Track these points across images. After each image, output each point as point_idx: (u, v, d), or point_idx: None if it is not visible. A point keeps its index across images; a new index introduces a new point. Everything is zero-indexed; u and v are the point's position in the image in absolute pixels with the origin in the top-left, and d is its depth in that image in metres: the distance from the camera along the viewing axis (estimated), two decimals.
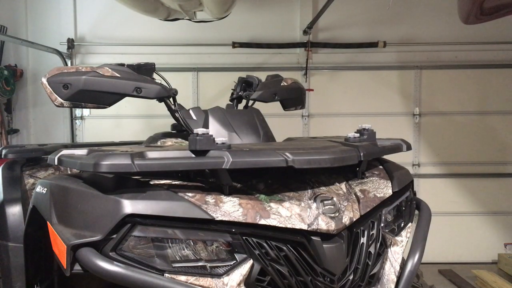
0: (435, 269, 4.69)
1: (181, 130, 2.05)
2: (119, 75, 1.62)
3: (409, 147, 1.74)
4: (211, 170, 1.31)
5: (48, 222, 1.33)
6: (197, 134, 1.26)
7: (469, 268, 4.52)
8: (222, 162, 1.20)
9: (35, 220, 1.51)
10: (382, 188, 1.57)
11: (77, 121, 4.88)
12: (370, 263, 1.43)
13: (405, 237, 1.59)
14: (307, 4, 4.83)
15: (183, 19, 4.04)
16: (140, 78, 1.68)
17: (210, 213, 1.22)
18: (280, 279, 1.26)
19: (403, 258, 1.55)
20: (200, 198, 1.26)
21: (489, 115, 4.92)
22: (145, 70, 1.84)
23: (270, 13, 4.88)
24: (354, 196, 1.48)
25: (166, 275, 1.19)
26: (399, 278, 1.49)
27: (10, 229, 1.92)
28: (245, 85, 2.18)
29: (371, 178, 1.62)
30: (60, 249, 1.24)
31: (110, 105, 1.65)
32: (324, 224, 1.29)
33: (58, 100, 1.55)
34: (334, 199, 1.38)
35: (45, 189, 1.41)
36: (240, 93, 2.14)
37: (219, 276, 1.22)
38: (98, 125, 4.87)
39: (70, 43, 4.76)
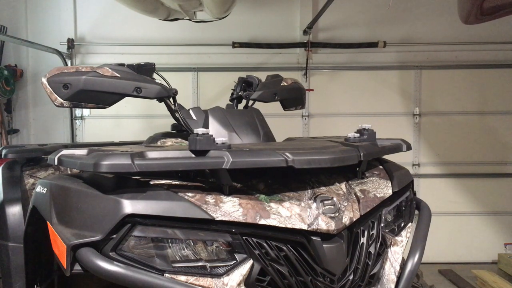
0: (435, 269, 4.69)
1: (181, 130, 2.05)
2: (119, 75, 1.62)
3: (409, 147, 1.74)
4: (211, 170, 1.31)
5: (48, 222, 1.33)
6: (197, 134, 1.26)
7: (469, 268, 4.51)
8: (222, 162, 1.20)
9: (35, 220, 1.51)
10: (382, 188, 1.57)
11: (77, 121, 4.88)
12: (370, 263, 1.43)
13: (405, 237, 1.59)
14: (307, 4, 4.83)
15: (183, 19, 4.03)
16: (140, 78, 1.68)
17: (210, 213, 1.22)
18: (280, 279, 1.26)
19: (403, 258, 1.55)
20: (200, 198, 1.26)
21: (489, 115, 4.92)
22: (145, 70, 1.84)
23: (270, 13, 4.88)
24: (354, 196, 1.48)
25: (166, 275, 1.19)
26: (399, 278, 1.49)
27: (10, 229, 1.92)
28: (245, 85, 2.18)
29: (371, 178, 1.62)
30: (60, 249, 1.23)
31: (110, 105, 1.65)
32: (324, 224, 1.29)
33: (58, 100, 1.55)
34: (334, 199, 1.38)
35: (45, 189, 1.41)
36: (240, 93, 2.14)
37: (219, 276, 1.22)
38: (98, 125, 4.87)
39: (70, 43, 4.75)
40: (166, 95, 1.75)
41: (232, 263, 1.24)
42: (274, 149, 1.29)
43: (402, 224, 1.63)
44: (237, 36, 4.78)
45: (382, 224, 1.52)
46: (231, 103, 2.19)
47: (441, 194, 4.91)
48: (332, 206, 1.35)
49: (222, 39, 4.77)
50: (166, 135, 2.00)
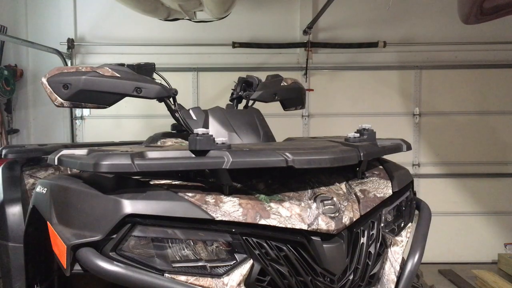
0: (435, 269, 4.69)
1: (181, 130, 2.05)
2: (119, 75, 1.62)
3: (409, 147, 1.74)
4: (211, 170, 1.31)
5: (48, 222, 1.33)
6: (197, 134, 1.26)
7: (469, 268, 4.52)
8: (222, 162, 1.20)
9: (35, 220, 1.52)
10: (382, 188, 1.57)
11: (77, 121, 4.88)
12: (370, 263, 1.43)
13: (405, 237, 1.59)
14: (307, 4, 4.83)
15: (183, 19, 4.04)
16: (140, 78, 1.68)
17: (210, 213, 1.22)
18: (280, 279, 1.26)
19: (403, 258, 1.55)
20: (200, 198, 1.26)
21: (489, 115, 4.92)
22: (145, 70, 1.84)
23: (270, 13, 4.88)
24: (354, 196, 1.48)
25: (166, 275, 1.19)
26: (399, 278, 1.49)
27: (10, 229, 1.92)
28: (245, 85, 2.18)
29: (371, 178, 1.62)
30: (60, 249, 1.24)
31: (110, 105, 1.65)
32: (324, 224, 1.29)
33: (58, 100, 1.55)
34: (334, 199, 1.38)
35: (45, 189, 1.41)
36: (240, 93, 2.14)
37: (219, 276, 1.22)
38: (98, 125, 4.87)
39: (70, 43, 4.76)
40: (166, 95, 1.76)
41: (232, 263, 1.24)
42: (274, 149, 1.29)
43: (402, 224, 1.63)
44: (237, 36, 4.78)
45: (382, 224, 1.52)
46: (231, 103, 2.19)
47: (441, 194, 4.91)
48: (332, 206, 1.35)
49: (222, 39, 4.77)
50: (166, 135, 2.01)
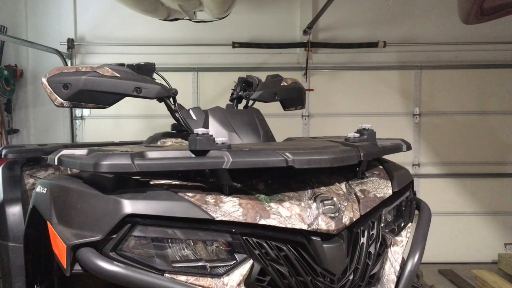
0: (435, 269, 4.69)
1: (181, 130, 2.05)
2: (119, 75, 1.62)
3: (409, 147, 1.75)
4: (211, 170, 1.31)
5: (48, 222, 1.33)
6: (197, 134, 1.26)
7: (469, 268, 4.52)
8: (222, 162, 1.20)
9: (35, 220, 1.52)
10: (382, 188, 1.57)
11: (77, 121, 4.88)
12: (370, 263, 1.43)
13: (405, 237, 1.59)
14: (307, 4, 4.83)
15: (183, 19, 4.04)
16: (140, 78, 1.68)
17: (210, 213, 1.22)
18: (280, 279, 1.26)
19: (403, 258, 1.55)
20: (200, 198, 1.26)
21: (489, 115, 4.92)
22: (145, 70, 1.84)
23: (270, 13, 4.88)
24: (354, 196, 1.48)
25: (166, 275, 1.19)
26: (399, 278, 1.49)
27: (10, 229, 1.92)
28: (245, 85, 2.18)
29: (371, 178, 1.62)
30: (60, 249, 1.24)
31: (110, 105, 1.65)
32: (324, 224, 1.30)
33: (58, 100, 1.55)
34: (334, 199, 1.38)
35: (45, 189, 1.41)
36: (240, 93, 2.14)
37: (219, 276, 1.22)
38: (98, 125, 4.87)
39: (70, 43, 4.76)
40: (166, 95, 1.76)
41: (232, 263, 1.24)
42: (274, 149, 1.29)
43: (402, 224, 1.63)
44: (237, 36, 4.78)
45: (382, 224, 1.52)
46: (231, 103, 2.19)
47: (441, 194, 4.91)
48: (332, 206, 1.35)
49: (222, 39, 4.77)
50: (166, 135, 2.01)
